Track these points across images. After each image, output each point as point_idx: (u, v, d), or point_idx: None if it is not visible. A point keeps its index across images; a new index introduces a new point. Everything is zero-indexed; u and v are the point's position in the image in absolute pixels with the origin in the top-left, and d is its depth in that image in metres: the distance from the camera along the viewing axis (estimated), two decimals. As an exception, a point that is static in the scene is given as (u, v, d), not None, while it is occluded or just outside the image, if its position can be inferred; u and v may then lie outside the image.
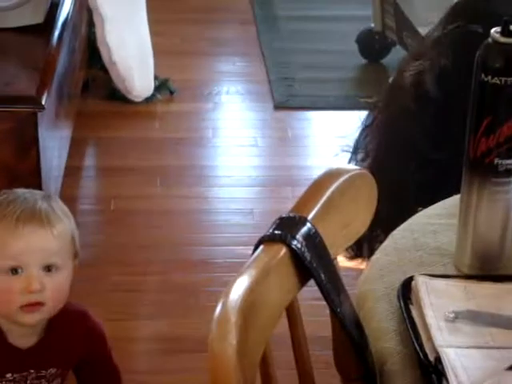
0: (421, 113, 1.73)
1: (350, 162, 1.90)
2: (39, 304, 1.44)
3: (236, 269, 2.60)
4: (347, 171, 1.07)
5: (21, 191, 1.49)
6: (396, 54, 3.73)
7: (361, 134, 1.89)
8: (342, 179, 1.05)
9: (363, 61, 3.75)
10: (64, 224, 1.46)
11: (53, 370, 1.54)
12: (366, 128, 1.87)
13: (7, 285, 1.43)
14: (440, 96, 1.72)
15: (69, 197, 2.65)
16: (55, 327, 1.50)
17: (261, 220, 2.67)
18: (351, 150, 1.92)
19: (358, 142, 1.90)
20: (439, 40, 1.78)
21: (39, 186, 2.14)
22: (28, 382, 1.52)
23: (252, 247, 1.04)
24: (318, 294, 1.10)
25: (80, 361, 1.58)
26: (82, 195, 2.79)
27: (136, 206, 2.71)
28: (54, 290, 1.45)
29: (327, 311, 1.06)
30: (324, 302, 1.02)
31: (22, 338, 1.50)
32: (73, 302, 1.54)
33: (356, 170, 1.08)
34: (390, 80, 1.91)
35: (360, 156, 1.88)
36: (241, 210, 2.73)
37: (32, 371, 1.51)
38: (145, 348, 2.16)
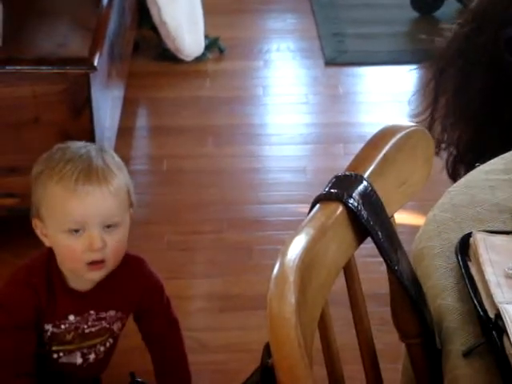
0: None
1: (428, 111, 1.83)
2: (102, 261, 1.48)
3: (289, 227, 2.63)
4: (403, 128, 1.05)
5: (75, 146, 1.51)
6: (449, 7, 3.67)
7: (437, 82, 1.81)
8: (397, 136, 1.04)
9: (415, 14, 3.69)
10: (119, 179, 1.49)
11: (112, 313, 1.58)
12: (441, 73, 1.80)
13: (71, 244, 1.47)
14: None
15: (122, 157, 2.61)
16: (114, 271, 1.53)
17: (313, 177, 2.66)
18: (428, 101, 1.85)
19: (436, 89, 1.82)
20: None
21: (93, 147, 2.16)
22: (89, 323, 1.56)
23: (304, 205, 1.04)
24: (373, 252, 1.10)
25: (139, 309, 1.62)
26: (135, 155, 2.80)
27: (188, 166, 2.72)
28: (114, 246, 1.48)
29: (382, 268, 1.06)
30: (378, 259, 1.02)
31: (83, 282, 1.54)
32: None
33: (412, 126, 1.07)
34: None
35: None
36: (293, 168, 2.72)
37: (92, 312, 1.56)
38: (200, 306, 2.18)
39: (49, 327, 1.56)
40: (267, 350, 1.02)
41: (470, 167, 1.43)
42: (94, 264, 1.49)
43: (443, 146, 1.82)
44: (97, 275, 1.52)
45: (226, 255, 2.33)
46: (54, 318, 1.55)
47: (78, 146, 1.52)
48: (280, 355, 0.74)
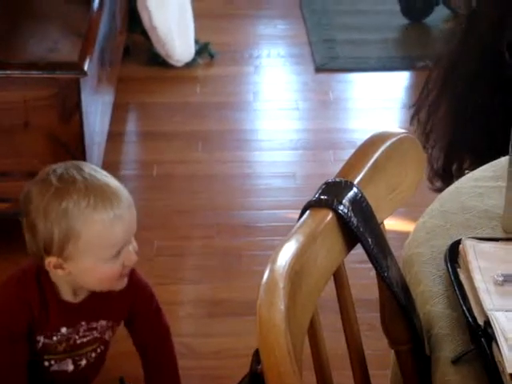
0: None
1: (411, 122, 1.86)
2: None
3: (278, 232, 2.62)
4: (393, 135, 1.06)
5: (64, 172, 1.44)
6: (439, 14, 3.68)
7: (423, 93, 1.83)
8: (388, 143, 1.04)
9: (405, 21, 3.70)
10: (124, 189, 1.48)
11: (103, 322, 1.57)
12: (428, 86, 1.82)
13: (111, 267, 1.46)
14: None
15: (111, 162, 2.67)
16: None
17: (303, 183, 2.66)
18: (413, 110, 1.87)
19: (420, 101, 1.84)
20: None
21: (83, 151, 2.16)
22: (80, 333, 1.56)
23: (294, 210, 1.04)
24: (362, 258, 1.10)
25: (130, 315, 1.62)
26: (125, 160, 2.80)
27: (178, 171, 2.72)
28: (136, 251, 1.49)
29: (371, 274, 1.06)
30: (367, 265, 1.02)
31: (74, 294, 1.53)
32: None
33: (402, 133, 1.07)
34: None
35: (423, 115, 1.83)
36: (282, 174, 2.73)
37: (83, 323, 1.55)
38: (189, 312, 2.17)
39: (40, 338, 1.55)
40: (256, 357, 1.02)
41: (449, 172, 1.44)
42: (124, 274, 1.50)
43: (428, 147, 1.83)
44: (124, 283, 1.52)
45: (216, 261, 2.33)
46: (46, 330, 1.54)
47: (65, 171, 1.44)
48: (269, 362, 0.74)
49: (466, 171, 1.32)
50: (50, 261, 1.45)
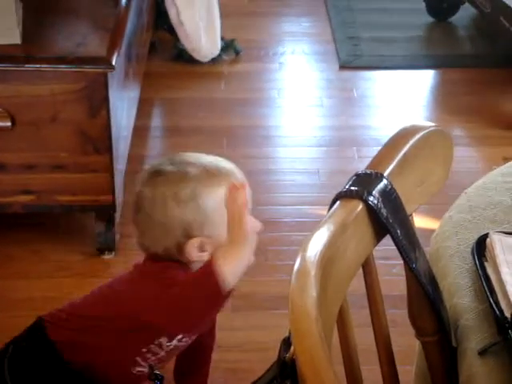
0: None
1: None
2: None
3: (302, 228, 2.62)
4: (423, 128, 1.07)
5: (176, 160, 1.48)
6: (465, 12, 3.67)
7: None
8: (417, 136, 1.05)
9: (431, 19, 3.70)
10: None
11: None
12: None
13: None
14: None
15: (137, 156, 2.69)
16: None
17: (326, 180, 2.67)
18: None
19: None
20: None
21: (109, 146, 2.18)
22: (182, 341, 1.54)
23: (318, 206, 1.05)
24: (385, 254, 1.11)
25: None
26: (150, 155, 2.81)
27: (203, 166, 2.72)
28: None
29: (394, 270, 1.07)
30: (391, 262, 1.04)
31: None
32: None
33: (431, 126, 1.08)
34: None
35: None
36: (306, 170, 2.73)
37: None
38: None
39: (163, 340, 1.51)
40: (284, 345, 1.04)
41: None
42: None
43: None
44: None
45: (240, 255, 2.34)
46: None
47: (168, 161, 1.47)
48: (302, 346, 0.75)
49: (494, 167, 1.32)
50: (194, 242, 1.43)
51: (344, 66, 3.34)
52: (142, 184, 1.46)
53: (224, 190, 1.41)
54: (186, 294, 1.37)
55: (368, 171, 0.99)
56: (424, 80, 3.38)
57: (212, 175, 1.42)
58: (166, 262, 1.45)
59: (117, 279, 1.53)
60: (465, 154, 2.79)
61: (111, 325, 1.46)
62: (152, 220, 1.43)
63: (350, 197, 0.96)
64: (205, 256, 1.44)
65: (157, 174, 1.45)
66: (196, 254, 1.44)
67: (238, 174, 1.45)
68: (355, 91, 3.20)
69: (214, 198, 1.41)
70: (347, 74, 3.31)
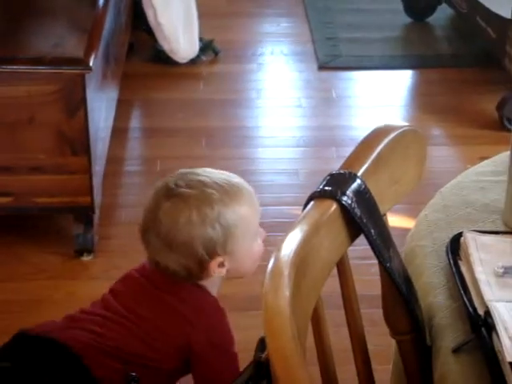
0: None
1: None
2: None
3: (281, 228, 2.61)
4: (396, 128, 1.07)
5: (189, 178, 1.49)
6: (442, 12, 3.69)
7: None
8: (391, 136, 1.06)
9: (408, 19, 3.71)
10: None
11: None
12: None
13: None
14: None
15: (115, 158, 2.68)
16: None
17: (306, 180, 2.68)
18: None
19: None
20: None
21: (87, 147, 2.17)
22: None
23: (297, 207, 1.04)
24: (363, 253, 1.11)
25: None
26: (129, 156, 2.81)
27: (181, 167, 2.68)
28: None
29: (372, 270, 1.08)
30: (368, 261, 1.04)
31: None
32: None
33: (405, 126, 1.09)
34: None
35: None
36: (286, 171, 2.74)
37: None
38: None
39: None
40: (260, 345, 1.04)
41: None
42: None
43: None
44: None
45: (219, 256, 2.34)
46: None
47: (182, 180, 1.49)
48: (275, 345, 0.75)
49: (468, 166, 1.33)
50: (217, 261, 1.46)
51: (323, 67, 3.35)
52: (157, 206, 1.46)
53: (243, 207, 1.45)
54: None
55: (342, 171, 0.99)
56: (402, 80, 3.39)
57: (232, 194, 1.45)
58: (182, 283, 1.48)
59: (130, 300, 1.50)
60: (442, 154, 2.80)
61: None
62: (173, 241, 1.44)
63: (324, 197, 0.97)
64: (223, 271, 1.49)
65: (174, 196, 1.46)
66: (217, 270, 1.48)
67: (247, 187, 1.50)
68: (334, 91, 3.21)
69: (235, 216, 1.45)
70: (326, 74, 3.32)
